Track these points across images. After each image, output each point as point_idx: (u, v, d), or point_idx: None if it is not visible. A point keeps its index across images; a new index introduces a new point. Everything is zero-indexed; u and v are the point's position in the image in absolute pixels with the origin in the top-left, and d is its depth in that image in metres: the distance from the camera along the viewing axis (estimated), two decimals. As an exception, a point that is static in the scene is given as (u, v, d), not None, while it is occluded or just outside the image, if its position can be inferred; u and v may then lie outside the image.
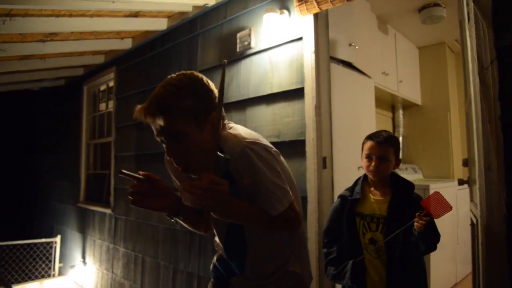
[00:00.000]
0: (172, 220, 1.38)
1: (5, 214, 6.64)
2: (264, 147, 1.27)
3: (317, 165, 2.25)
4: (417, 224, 1.66)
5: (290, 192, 1.27)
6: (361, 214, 1.88)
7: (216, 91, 1.30)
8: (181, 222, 1.39)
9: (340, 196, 1.98)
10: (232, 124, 1.36)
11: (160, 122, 1.20)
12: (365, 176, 1.96)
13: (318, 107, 2.30)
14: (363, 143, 1.95)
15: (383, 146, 1.86)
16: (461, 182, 2.35)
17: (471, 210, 2.19)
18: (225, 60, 1.31)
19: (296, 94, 2.41)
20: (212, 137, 1.22)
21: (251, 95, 2.67)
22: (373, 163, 1.86)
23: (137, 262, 3.76)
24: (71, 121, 5.52)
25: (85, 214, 4.93)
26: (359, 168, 2.93)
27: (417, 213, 1.68)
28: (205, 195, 1.06)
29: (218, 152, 1.19)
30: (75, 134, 5.34)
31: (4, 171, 6.84)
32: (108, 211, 4.33)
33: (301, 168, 2.32)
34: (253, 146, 1.23)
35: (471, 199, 2.24)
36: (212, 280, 1.58)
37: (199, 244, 3.05)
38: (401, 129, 4.85)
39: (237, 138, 1.24)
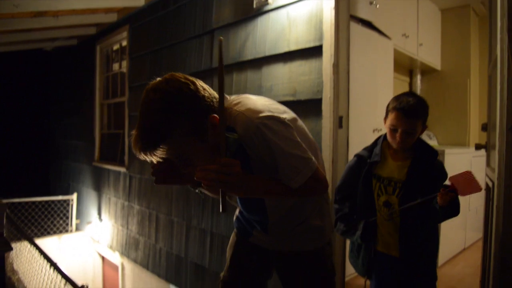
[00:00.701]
0: (196, 191, 1.37)
1: (24, 174, 6.84)
2: (278, 119, 1.18)
3: (333, 124, 2.22)
4: (440, 199, 1.60)
5: (313, 159, 1.20)
6: (379, 176, 1.80)
7: (203, 86, 1.18)
8: (205, 192, 1.36)
9: (357, 156, 1.88)
10: (237, 99, 1.25)
11: (161, 154, 1.13)
12: (385, 136, 1.82)
13: (336, 65, 2.24)
14: (388, 110, 1.75)
15: (411, 119, 1.66)
16: (478, 146, 2.32)
17: (486, 175, 2.17)
18: (221, 37, 1.16)
19: (313, 52, 2.35)
20: (218, 129, 1.12)
21: (267, 53, 2.62)
22: (397, 137, 1.70)
23: (151, 219, 3.86)
24: (85, 82, 5.53)
25: (100, 173, 5.03)
26: (374, 130, 2.90)
27: (442, 188, 1.62)
28: (218, 179, 1.03)
29: (226, 134, 1.12)
30: (89, 95, 5.37)
31: (21, 132, 6.98)
32: (122, 169, 4.40)
33: (316, 127, 2.30)
34: (267, 121, 1.15)
35: (488, 164, 2.21)
36: (235, 230, 1.61)
37: (212, 202, 3.10)
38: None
39: (248, 117, 1.15)
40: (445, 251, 3.42)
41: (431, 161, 1.76)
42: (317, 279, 1.38)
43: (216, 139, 1.11)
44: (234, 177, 1.05)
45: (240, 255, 1.54)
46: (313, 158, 1.21)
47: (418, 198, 1.66)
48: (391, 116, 1.72)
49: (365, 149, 1.89)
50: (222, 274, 1.57)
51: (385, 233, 1.79)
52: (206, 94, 1.16)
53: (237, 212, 1.60)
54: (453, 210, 1.68)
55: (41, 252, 2.90)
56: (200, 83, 1.17)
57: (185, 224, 3.39)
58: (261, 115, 1.16)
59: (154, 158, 1.15)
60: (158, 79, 1.17)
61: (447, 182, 1.71)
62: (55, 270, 2.58)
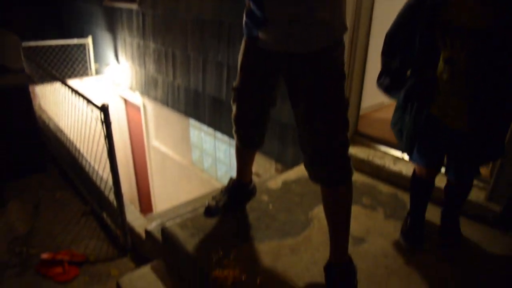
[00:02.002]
0: None
1: (37, 16, 6.64)
2: None
3: None
4: None
5: None
6: (446, 23, 1.29)
7: None
8: None
9: None
10: None
11: None
12: None
13: None
14: None
15: None
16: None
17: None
18: None
19: None
20: None
21: None
22: None
23: (168, 56, 3.80)
24: None
25: (112, 13, 4.80)
26: None
27: None
28: None
29: None
30: None
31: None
32: (134, 6, 4.17)
33: None
34: None
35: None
36: (244, 37, 1.52)
37: (228, 33, 2.95)
38: None
39: None
40: None
41: None
42: (323, 83, 1.24)
43: None
44: None
45: (249, 61, 1.47)
46: None
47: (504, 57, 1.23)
48: None
49: None
50: (234, 83, 1.54)
51: (444, 98, 1.38)
52: None
53: (244, 17, 1.47)
54: None
55: (63, 82, 2.94)
56: None
57: (202, 59, 3.32)
58: None
59: None
60: None
61: None
62: (76, 94, 2.64)
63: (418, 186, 1.63)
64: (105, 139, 2.16)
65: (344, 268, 1.34)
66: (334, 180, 1.28)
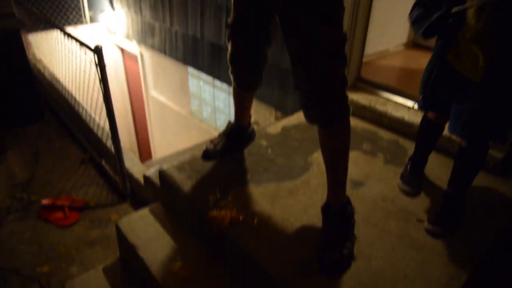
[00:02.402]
0: None
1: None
2: None
3: None
4: None
5: None
6: None
7: None
8: None
9: None
10: None
11: None
12: None
13: None
14: None
15: None
16: None
17: None
18: None
19: None
20: None
21: None
22: None
23: (164, 1, 3.62)
24: None
25: (104, -46, 4.54)
26: None
27: None
28: None
29: None
30: None
31: None
32: None
33: None
34: None
35: None
36: None
37: (227, -27, 2.79)
38: None
39: None
40: None
41: None
42: (318, 14, 1.12)
43: None
44: None
45: None
46: None
47: None
48: None
49: None
50: (228, 20, 1.45)
51: (466, 44, 1.25)
52: None
53: None
54: None
55: (55, 25, 2.82)
56: None
57: (200, 2, 3.16)
58: None
59: None
60: None
61: None
62: (69, 38, 2.54)
63: (426, 127, 1.59)
64: (100, 82, 2.09)
65: (342, 208, 1.33)
66: (331, 118, 1.22)
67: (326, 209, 1.34)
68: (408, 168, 1.66)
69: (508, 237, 1.43)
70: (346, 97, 1.23)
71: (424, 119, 1.59)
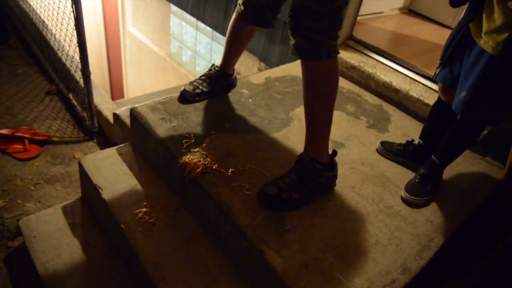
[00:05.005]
0: None
1: None
2: None
3: None
4: None
5: None
6: None
7: None
8: None
9: None
10: None
11: None
12: None
13: None
14: None
15: None
16: None
17: None
18: None
19: None
20: None
21: None
22: None
23: None
24: None
25: None
26: None
27: None
28: None
29: None
30: None
31: None
32: None
33: None
34: None
35: None
36: None
37: None
38: None
39: None
40: None
41: None
42: None
43: None
44: None
45: None
46: None
47: None
48: None
49: None
50: None
51: (490, 16, 1.15)
52: None
53: None
54: None
55: None
56: None
57: None
58: None
59: None
60: None
61: None
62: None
63: (433, 107, 1.53)
64: (72, 3, 1.87)
65: (311, 162, 1.23)
66: (318, 53, 1.12)
67: (298, 157, 1.28)
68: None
69: (482, 214, 1.43)
70: (337, 37, 1.15)
71: (435, 102, 1.52)
